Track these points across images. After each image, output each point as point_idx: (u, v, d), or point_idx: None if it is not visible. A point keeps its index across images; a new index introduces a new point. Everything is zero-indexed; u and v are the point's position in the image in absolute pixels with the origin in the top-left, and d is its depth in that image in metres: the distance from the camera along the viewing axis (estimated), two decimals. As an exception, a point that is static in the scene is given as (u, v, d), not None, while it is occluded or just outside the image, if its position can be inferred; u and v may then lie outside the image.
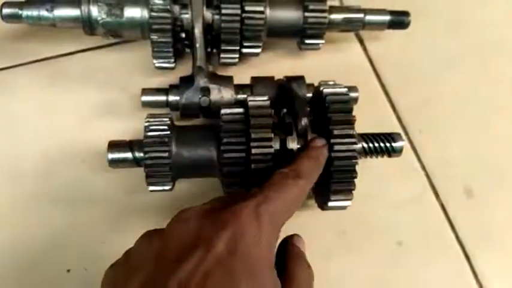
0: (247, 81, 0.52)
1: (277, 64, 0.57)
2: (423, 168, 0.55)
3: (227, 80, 0.51)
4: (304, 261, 0.38)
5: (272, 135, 0.42)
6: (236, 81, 0.51)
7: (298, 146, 0.43)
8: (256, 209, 0.33)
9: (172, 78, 0.53)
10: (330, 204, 0.43)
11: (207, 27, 0.49)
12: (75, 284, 0.48)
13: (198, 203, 0.36)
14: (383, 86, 0.58)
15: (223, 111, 0.44)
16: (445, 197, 0.53)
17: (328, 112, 0.42)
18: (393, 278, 0.50)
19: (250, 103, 0.43)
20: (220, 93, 0.50)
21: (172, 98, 0.50)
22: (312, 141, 0.42)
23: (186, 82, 0.50)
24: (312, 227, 0.50)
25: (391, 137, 0.46)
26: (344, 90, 0.44)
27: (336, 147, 0.41)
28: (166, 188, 0.44)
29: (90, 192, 0.51)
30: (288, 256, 0.37)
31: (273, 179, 0.37)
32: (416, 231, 0.52)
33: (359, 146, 0.45)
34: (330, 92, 0.43)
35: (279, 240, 0.37)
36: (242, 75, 0.53)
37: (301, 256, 0.38)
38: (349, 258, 0.50)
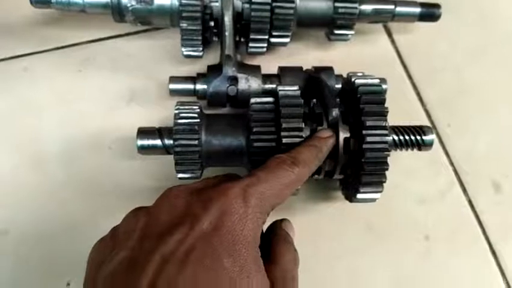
0: (275, 71, 0.52)
1: (305, 55, 0.57)
2: (451, 162, 0.54)
3: (255, 70, 0.50)
4: (291, 244, 0.38)
5: (303, 125, 0.41)
6: (263, 72, 0.51)
7: (330, 137, 0.43)
8: (245, 189, 0.33)
9: (200, 67, 0.53)
10: (359, 196, 0.43)
11: (237, 16, 0.49)
12: None
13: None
14: (411, 78, 0.57)
15: (253, 100, 0.44)
16: (473, 192, 0.53)
17: (360, 103, 0.41)
18: (419, 272, 0.50)
19: (280, 92, 0.43)
20: (248, 83, 0.49)
21: (199, 86, 0.49)
22: (319, 132, 0.42)
23: (214, 71, 0.50)
24: (339, 221, 0.51)
25: (421, 130, 0.46)
26: (376, 81, 0.43)
27: (368, 139, 0.40)
28: (195, 175, 0.44)
29: (116, 179, 0.51)
30: (275, 238, 0.38)
31: (269, 162, 0.37)
32: (443, 226, 0.51)
33: (390, 138, 0.44)
34: (362, 82, 0.43)
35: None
36: (269, 65, 0.52)
37: (287, 239, 0.39)
38: (376, 252, 0.50)
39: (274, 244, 0.37)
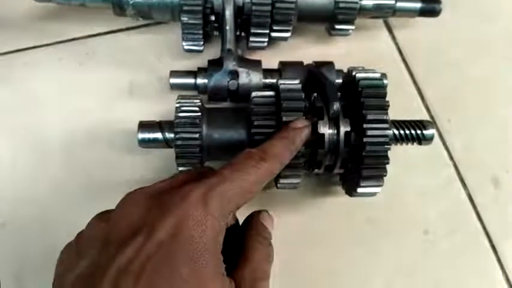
0: (275, 67, 0.52)
1: (306, 50, 0.57)
2: (451, 157, 0.54)
3: (256, 64, 0.51)
4: (265, 239, 0.37)
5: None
6: (264, 67, 0.51)
7: (330, 132, 0.43)
8: (206, 193, 0.32)
9: (200, 61, 0.52)
10: (360, 190, 0.43)
11: (238, 10, 0.49)
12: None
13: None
14: (411, 74, 0.57)
15: (254, 94, 0.44)
16: (473, 187, 0.53)
17: (361, 97, 0.41)
18: (419, 266, 0.50)
19: (281, 86, 0.43)
20: (249, 77, 0.49)
21: (200, 80, 0.49)
22: (293, 121, 0.40)
23: (215, 65, 0.50)
24: (339, 215, 0.51)
25: (422, 124, 0.46)
26: (377, 75, 0.43)
27: (369, 132, 0.40)
28: (195, 169, 0.44)
29: (116, 173, 0.51)
30: (249, 233, 0.37)
31: (236, 158, 0.36)
32: (443, 220, 0.51)
33: (390, 132, 0.44)
34: (363, 76, 0.43)
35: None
36: (270, 60, 0.52)
37: (263, 234, 0.38)
38: (376, 246, 0.50)
39: (247, 239, 0.36)
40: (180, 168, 0.44)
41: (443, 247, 0.51)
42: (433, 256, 0.50)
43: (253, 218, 0.39)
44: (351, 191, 0.45)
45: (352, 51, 0.57)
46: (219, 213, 0.32)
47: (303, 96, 0.42)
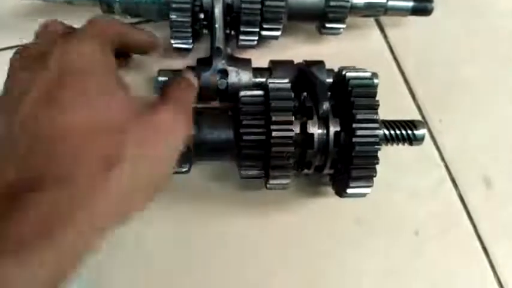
0: (266, 66, 0.51)
1: (296, 49, 0.56)
2: (442, 158, 0.54)
3: (245, 63, 0.50)
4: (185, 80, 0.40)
5: (293, 119, 0.41)
6: (254, 66, 0.50)
7: (320, 132, 0.42)
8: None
9: (189, 60, 0.52)
10: (349, 191, 0.42)
11: (227, 8, 0.48)
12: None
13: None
14: (403, 73, 0.57)
15: (242, 93, 0.43)
16: (464, 188, 0.53)
17: (351, 96, 0.41)
18: (409, 267, 0.50)
19: (270, 85, 0.42)
20: (238, 76, 0.49)
21: (189, 79, 0.49)
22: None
23: (204, 64, 0.49)
24: (328, 216, 0.50)
25: (413, 124, 0.45)
26: (368, 74, 0.43)
27: (359, 132, 0.40)
28: (183, 170, 0.43)
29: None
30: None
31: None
32: (434, 221, 0.51)
33: (380, 132, 0.43)
34: (353, 76, 0.42)
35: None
36: (260, 59, 0.52)
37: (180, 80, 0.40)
38: (365, 247, 0.50)
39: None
40: None
41: (433, 248, 0.50)
42: (424, 257, 0.50)
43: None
44: (340, 192, 0.44)
45: (343, 51, 0.56)
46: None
47: (292, 96, 0.42)
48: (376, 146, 0.40)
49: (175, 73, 0.49)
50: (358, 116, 0.40)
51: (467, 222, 0.51)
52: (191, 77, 0.41)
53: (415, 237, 0.50)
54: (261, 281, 0.48)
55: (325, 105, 0.42)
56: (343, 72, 0.43)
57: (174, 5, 0.46)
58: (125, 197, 0.30)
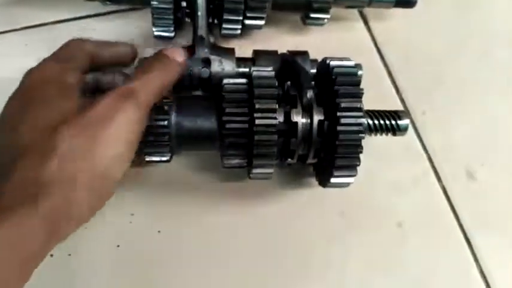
0: (249, 56, 0.51)
1: (280, 40, 0.56)
2: (425, 150, 0.54)
3: (229, 52, 0.49)
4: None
5: (277, 107, 0.40)
6: (237, 56, 0.50)
7: (303, 121, 0.42)
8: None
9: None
10: (333, 180, 0.42)
11: (210, -4, 0.48)
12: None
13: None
14: (386, 65, 0.57)
15: (225, 81, 0.42)
16: (447, 180, 0.53)
17: (335, 84, 0.40)
18: (393, 258, 0.49)
19: (254, 73, 0.42)
20: (222, 65, 0.48)
21: (171, 68, 0.48)
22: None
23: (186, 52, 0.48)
24: (311, 207, 0.50)
25: (396, 114, 0.45)
26: (351, 63, 0.42)
27: (343, 121, 0.39)
28: (164, 158, 0.43)
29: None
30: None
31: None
32: (417, 213, 0.51)
33: (364, 120, 0.43)
34: (336, 64, 0.42)
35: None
36: (243, 50, 0.51)
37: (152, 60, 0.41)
38: (349, 238, 0.49)
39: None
40: (147, 158, 0.42)
41: (417, 239, 0.50)
42: (407, 249, 0.50)
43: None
44: (324, 182, 0.44)
45: (327, 42, 0.56)
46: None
47: (276, 84, 0.41)
48: (360, 135, 0.40)
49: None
50: (342, 105, 0.40)
51: (451, 214, 0.51)
52: (175, 54, 0.42)
53: (398, 229, 0.50)
54: (243, 272, 0.47)
55: (309, 94, 0.42)
56: (327, 61, 0.42)
57: (155, -9, 0.45)
58: (68, 181, 0.33)
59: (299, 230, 0.49)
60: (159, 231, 0.48)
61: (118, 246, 0.47)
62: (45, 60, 0.40)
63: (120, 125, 0.35)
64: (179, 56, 0.42)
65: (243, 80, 0.42)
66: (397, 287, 0.49)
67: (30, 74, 0.39)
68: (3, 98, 0.49)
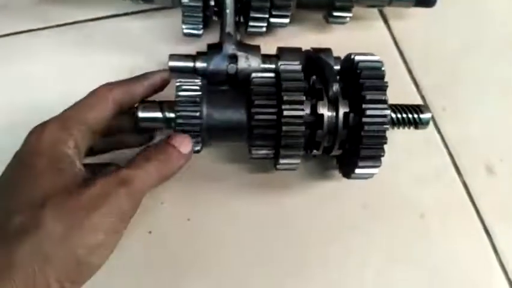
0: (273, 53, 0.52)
1: (302, 38, 0.57)
2: (445, 145, 0.55)
3: (255, 49, 0.51)
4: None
5: (304, 99, 0.42)
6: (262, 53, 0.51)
7: (329, 113, 0.43)
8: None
9: (198, 47, 0.52)
10: (358, 171, 0.44)
11: (238, -6, 0.49)
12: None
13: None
14: (406, 63, 0.58)
15: (254, 75, 0.44)
16: (467, 174, 0.54)
17: (360, 78, 0.42)
18: (414, 250, 0.50)
19: (282, 67, 0.43)
20: (248, 62, 0.50)
21: (199, 64, 0.50)
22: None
23: (214, 49, 0.50)
24: (334, 199, 0.51)
25: (418, 108, 0.47)
26: (376, 57, 0.44)
27: (368, 112, 0.41)
28: (196, 149, 0.44)
29: (115, 156, 0.50)
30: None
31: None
32: (439, 205, 0.52)
33: (389, 112, 0.44)
34: (361, 59, 0.43)
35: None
36: (268, 47, 0.53)
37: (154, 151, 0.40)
38: (371, 230, 0.51)
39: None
40: None
41: (438, 231, 0.51)
42: (429, 240, 0.51)
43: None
44: (348, 173, 0.45)
45: (348, 40, 0.57)
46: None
47: (303, 77, 0.43)
48: (384, 126, 0.41)
49: (186, 58, 0.49)
50: (368, 97, 0.41)
51: (471, 207, 0.52)
52: (182, 144, 0.42)
53: (420, 220, 0.51)
54: (268, 260, 0.49)
55: (335, 87, 0.43)
56: (352, 56, 0.44)
57: (186, -10, 0.47)
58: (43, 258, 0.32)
59: (322, 220, 0.50)
60: (188, 219, 0.49)
61: (150, 232, 0.48)
62: (51, 120, 0.39)
63: (106, 215, 0.35)
64: (185, 146, 0.41)
65: (271, 74, 0.44)
66: (419, 277, 0.50)
67: (30, 136, 0.38)
68: (36, 96, 0.52)
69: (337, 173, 0.49)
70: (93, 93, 0.41)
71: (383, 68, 0.45)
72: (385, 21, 0.60)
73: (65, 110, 0.40)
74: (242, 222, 0.49)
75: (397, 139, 0.50)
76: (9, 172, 0.37)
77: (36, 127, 0.38)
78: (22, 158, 0.38)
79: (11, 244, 0.32)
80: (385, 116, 0.41)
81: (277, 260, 0.49)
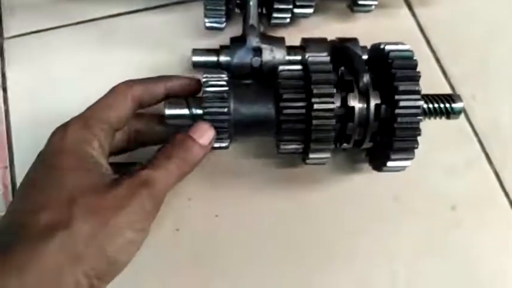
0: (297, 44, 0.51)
1: (326, 28, 0.56)
2: (476, 134, 0.53)
3: (279, 41, 0.50)
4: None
5: (334, 91, 0.41)
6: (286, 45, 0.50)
7: (360, 105, 0.42)
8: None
9: (220, 41, 0.52)
10: (390, 164, 0.42)
11: (261, -14, 0.48)
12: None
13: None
14: (433, 51, 0.57)
15: (281, 67, 0.43)
16: (498, 164, 0.52)
17: (392, 68, 0.41)
18: (446, 242, 0.50)
19: (310, 59, 0.42)
20: (272, 54, 0.49)
21: (223, 58, 0.49)
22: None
23: (237, 42, 0.49)
24: (365, 192, 0.50)
25: (450, 98, 0.45)
26: (406, 46, 0.43)
27: (402, 104, 0.40)
28: (223, 145, 0.43)
29: (138, 153, 0.50)
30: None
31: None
32: (471, 196, 0.51)
33: (422, 102, 0.43)
34: (392, 48, 0.42)
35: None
36: (292, 38, 0.51)
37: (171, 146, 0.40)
38: (403, 223, 0.50)
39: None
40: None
41: (471, 223, 0.50)
42: (461, 232, 0.50)
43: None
44: (380, 166, 0.44)
45: (373, 29, 0.56)
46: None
47: (332, 69, 0.42)
48: (418, 117, 0.40)
49: (210, 52, 0.49)
50: (401, 88, 0.40)
51: (503, 197, 0.51)
52: (202, 135, 0.41)
53: (452, 212, 0.50)
54: (298, 254, 0.48)
55: (366, 78, 0.42)
56: (381, 46, 0.43)
57: (209, -17, 0.46)
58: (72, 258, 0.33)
59: (352, 214, 0.50)
60: (216, 216, 0.49)
61: (177, 229, 0.48)
62: (73, 120, 0.39)
63: (131, 214, 0.35)
64: (206, 138, 0.41)
65: (298, 67, 0.43)
66: (450, 269, 0.49)
67: (54, 136, 0.38)
68: (58, 95, 0.51)
69: (366, 166, 0.48)
70: (112, 91, 0.41)
71: (415, 58, 0.44)
72: (410, 8, 0.58)
73: (86, 110, 0.40)
74: (270, 218, 0.49)
75: (427, 129, 0.49)
76: (33, 172, 0.37)
77: (58, 127, 0.39)
78: (46, 158, 0.38)
79: (39, 241, 0.32)
80: (418, 107, 0.40)
81: (305, 255, 0.48)
